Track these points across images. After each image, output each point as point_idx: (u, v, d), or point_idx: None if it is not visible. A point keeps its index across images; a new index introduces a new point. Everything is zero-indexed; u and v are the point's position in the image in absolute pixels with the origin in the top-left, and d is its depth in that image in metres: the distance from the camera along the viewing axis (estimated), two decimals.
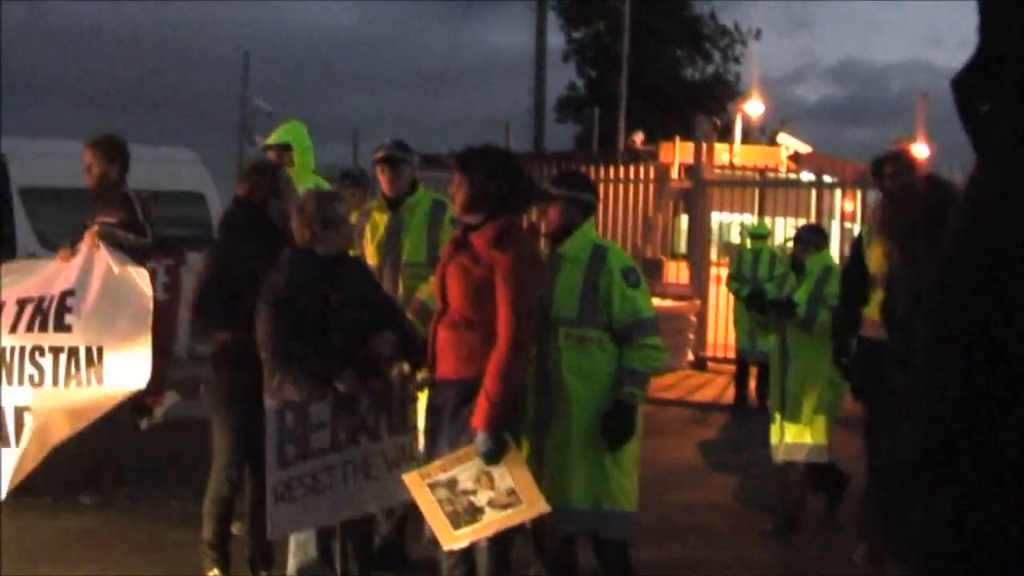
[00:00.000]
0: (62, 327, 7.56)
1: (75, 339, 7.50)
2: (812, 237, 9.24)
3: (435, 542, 5.73)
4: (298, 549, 6.21)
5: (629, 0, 28.20)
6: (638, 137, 23.16)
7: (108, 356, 7.41)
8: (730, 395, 15.58)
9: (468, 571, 5.75)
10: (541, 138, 33.57)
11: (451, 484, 5.51)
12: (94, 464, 8.42)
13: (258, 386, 6.01)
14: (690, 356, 18.36)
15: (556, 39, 44.26)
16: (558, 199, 6.12)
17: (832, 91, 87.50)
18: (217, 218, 13.60)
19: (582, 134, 41.09)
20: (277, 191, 6.52)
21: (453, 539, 5.59)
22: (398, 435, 5.93)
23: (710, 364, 18.19)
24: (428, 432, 5.83)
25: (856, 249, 7.68)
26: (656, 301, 10.26)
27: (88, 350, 7.45)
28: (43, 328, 7.59)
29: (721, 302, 17.72)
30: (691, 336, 18.49)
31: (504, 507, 5.48)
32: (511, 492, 5.44)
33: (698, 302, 18.43)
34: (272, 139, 8.69)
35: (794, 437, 8.39)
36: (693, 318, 18.48)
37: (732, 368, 16.03)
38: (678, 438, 12.47)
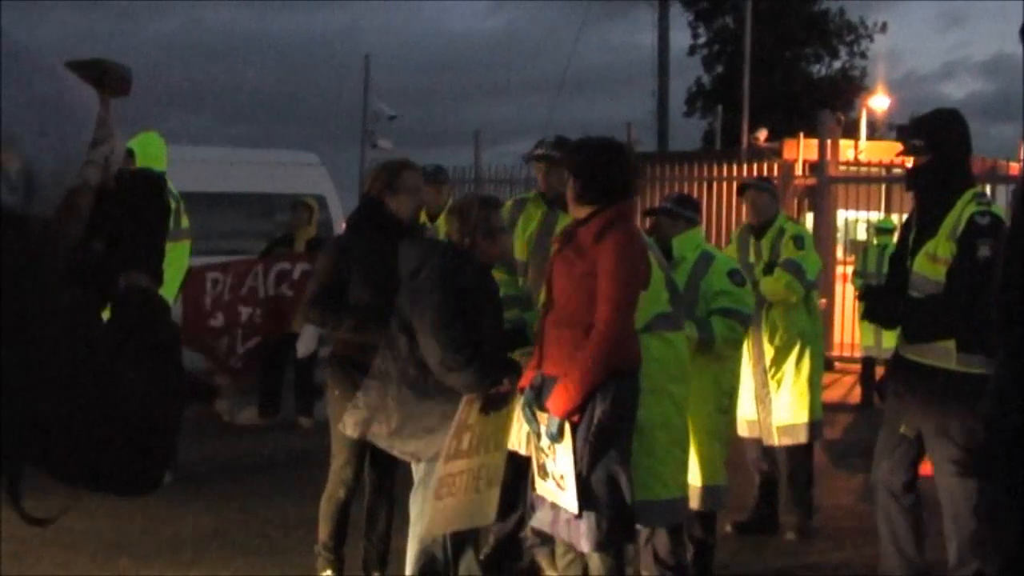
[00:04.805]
0: None
1: None
2: (681, 210, 6.95)
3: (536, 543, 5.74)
4: (420, 556, 6.13)
5: None
6: (762, 134, 22.84)
7: None
8: (857, 395, 15.31)
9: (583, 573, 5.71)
10: (665, 137, 33.34)
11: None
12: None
13: None
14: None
15: (683, 36, 44.12)
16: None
17: (981, 87, 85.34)
18: (337, 220, 13.87)
19: (709, 130, 40.81)
20: (393, 186, 6.47)
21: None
22: (497, 452, 5.90)
23: (837, 364, 17.88)
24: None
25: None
26: None
27: None
28: None
29: (847, 300, 17.41)
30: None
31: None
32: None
33: (824, 300, 18.11)
34: None
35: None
36: None
37: (859, 367, 15.75)
38: None
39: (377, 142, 22.34)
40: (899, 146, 6.36)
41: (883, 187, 19.77)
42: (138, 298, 2.11)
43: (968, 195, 5.80)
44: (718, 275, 6.63)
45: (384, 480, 6.56)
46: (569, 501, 5.38)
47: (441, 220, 7.96)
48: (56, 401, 1.75)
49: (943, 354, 5.81)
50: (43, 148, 1.84)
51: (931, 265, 5.81)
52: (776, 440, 8.18)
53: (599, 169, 5.53)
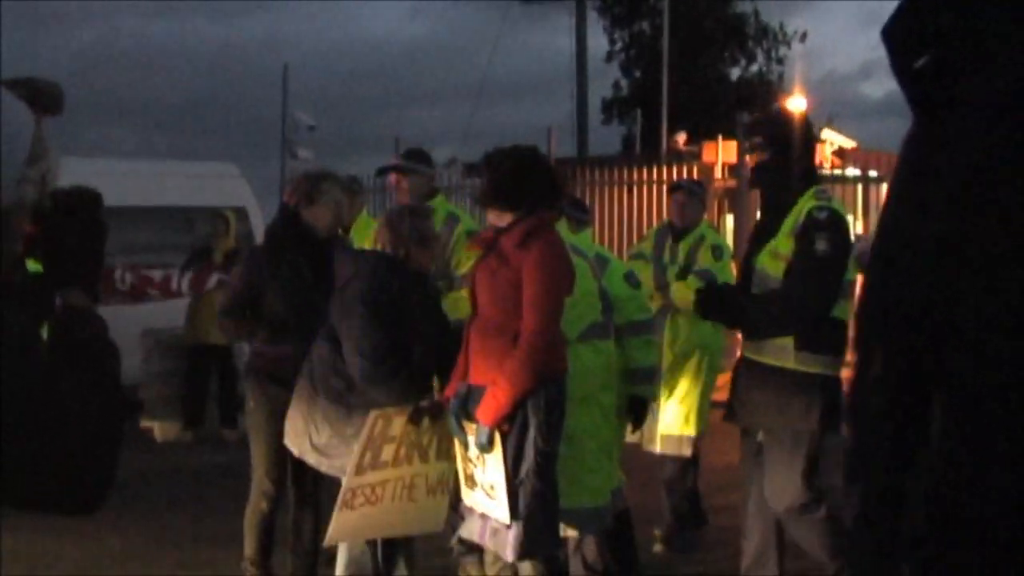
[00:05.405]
0: None
1: None
2: (571, 211, 6.84)
3: (463, 551, 5.76)
4: (350, 564, 6.16)
5: (669, 1, 28.01)
6: (681, 138, 23.00)
7: None
8: None
9: None
10: (584, 142, 33.43)
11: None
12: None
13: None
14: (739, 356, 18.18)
15: (601, 41, 44.21)
16: None
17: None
18: (258, 231, 13.80)
19: (628, 135, 40.99)
20: (311, 198, 6.47)
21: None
22: (441, 461, 5.88)
23: None
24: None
25: None
26: None
27: None
28: None
29: None
30: (740, 336, 18.29)
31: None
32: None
33: None
34: None
35: None
36: None
37: None
38: (729, 440, 12.33)
39: (297, 152, 22.25)
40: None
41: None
42: (75, 316, 2.10)
43: (810, 192, 5.76)
44: (616, 278, 6.52)
45: (306, 491, 6.54)
46: (500, 511, 5.38)
47: (355, 230, 7.98)
48: None
49: (781, 352, 5.74)
50: None
51: (773, 262, 5.75)
52: (658, 447, 8.01)
53: (518, 177, 5.54)
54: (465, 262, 6.81)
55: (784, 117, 6.13)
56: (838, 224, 5.64)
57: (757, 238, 5.99)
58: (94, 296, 2.18)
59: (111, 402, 1.99)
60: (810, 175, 5.96)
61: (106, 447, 1.94)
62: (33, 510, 1.90)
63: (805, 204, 5.69)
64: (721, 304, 6.23)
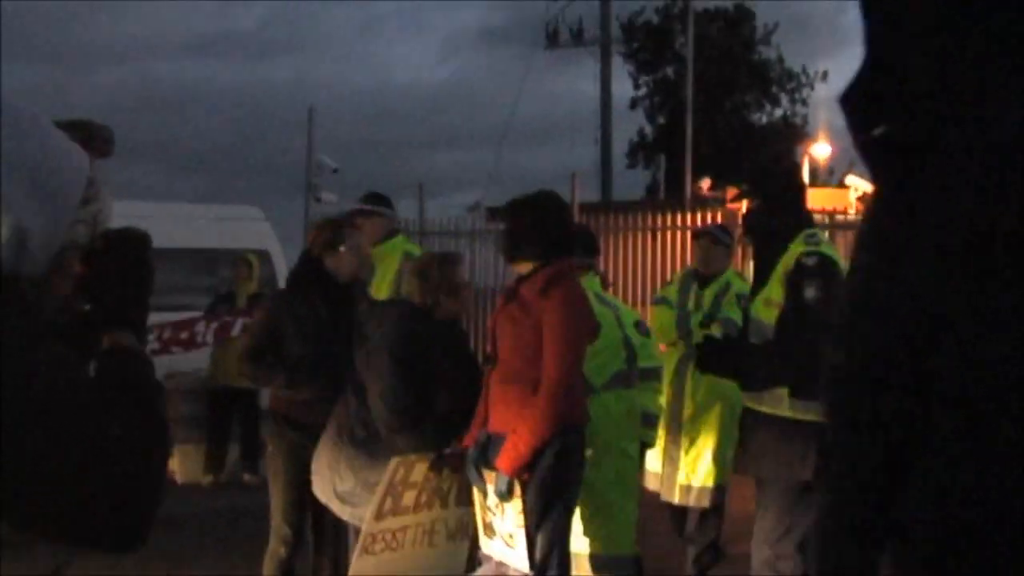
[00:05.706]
0: None
1: None
2: (585, 258, 6.63)
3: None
4: None
5: (693, 46, 28.09)
6: (705, 183, 22.98)
7: None
8: None
9: None
10: (609, 187, 33.51)
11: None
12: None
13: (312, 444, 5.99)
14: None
15: (626, 86, 44.37)
16: None
17: None
18: (281, 275, 13.83)
19: (652, 181, 41.04)
20: (334, 245, 6.47)
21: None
22: (461, 507, 5.85)
23: None
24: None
25: None
26: None
27: None
28: None
29: None
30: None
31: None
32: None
33: None
34: None
35: None
36: None
37: None
38: (750, 489, 12.23)
39: (321, 195, 22.32)
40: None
41: (825, 233, 19.87)
42: (123, 356, 2.12)
43: (800, 237, 5.67)
44: (626, 326, 6.41)
45: (325, 536, 6.52)
46: (520, 560, 5.34)
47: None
48: (45, 456, 1.77)
49: (776, 400, 5.59)
50: (35, 209, 1.88)
51: (766, 310, 5.66)
52: (676, 498, 7.84)
53: (535, 224, 5.53)
54: None
55: (772, 162, 6.08)
56: (827, 268, 5.56)
57: (753, 287, 5.91)
58: (142, 336, 2.21)
59: (157, 440, 2.02)
60: (801, 220, 5.87)
61: (152, 485, 1.97)
62: (71, 545, 1.92)
63: (795, 250, 5.62)
64: (719, 357, 6.15)
